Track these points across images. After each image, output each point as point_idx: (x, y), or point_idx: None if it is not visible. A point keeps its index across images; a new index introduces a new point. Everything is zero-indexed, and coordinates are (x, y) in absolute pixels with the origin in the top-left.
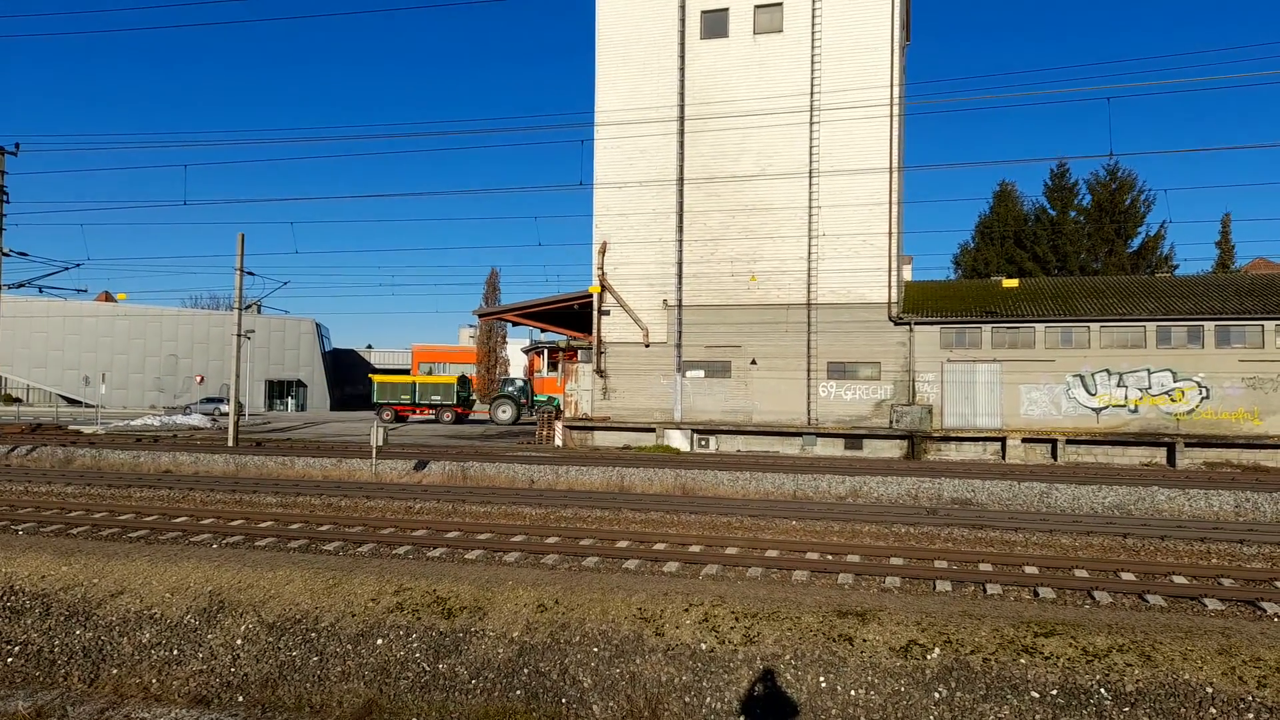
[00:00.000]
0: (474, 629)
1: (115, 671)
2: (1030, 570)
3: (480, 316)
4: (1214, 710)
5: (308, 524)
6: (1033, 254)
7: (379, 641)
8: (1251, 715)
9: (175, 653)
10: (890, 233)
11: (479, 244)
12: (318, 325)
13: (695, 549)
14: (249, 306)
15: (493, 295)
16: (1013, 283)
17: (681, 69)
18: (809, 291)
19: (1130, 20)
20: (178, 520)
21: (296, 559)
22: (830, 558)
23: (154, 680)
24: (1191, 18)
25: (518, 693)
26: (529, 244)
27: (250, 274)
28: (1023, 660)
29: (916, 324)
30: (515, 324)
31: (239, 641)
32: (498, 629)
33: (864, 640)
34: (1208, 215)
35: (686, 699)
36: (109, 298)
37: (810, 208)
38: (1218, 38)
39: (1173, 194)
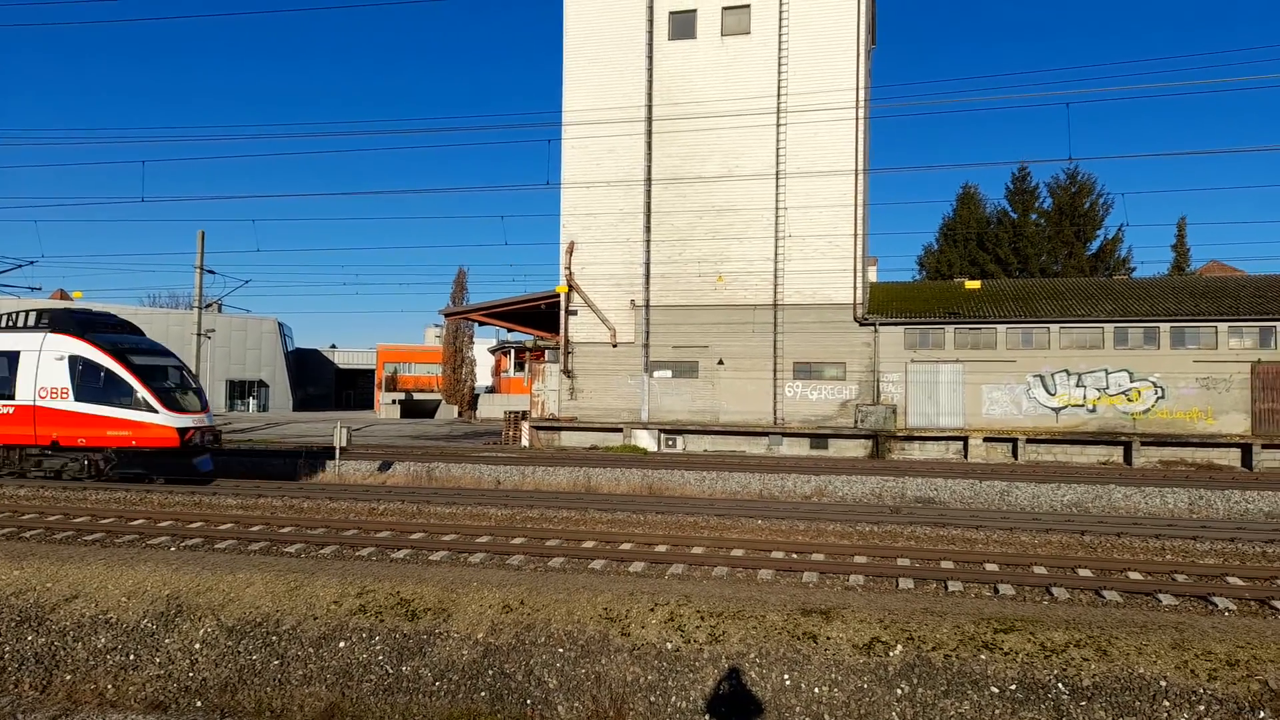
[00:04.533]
0: (438, 631)
1: (69, 677)
2: (991, 567)
3: (447, 316)
4: (1167, 703)
5: (269, 526)
6: (995, 256)
7: (341, 644)
8: (1203, 707)
9: (131, 657)
10: (856, 234)
11: (445, 243)
12: (280, 324)
13: (661, 549)
14: (209, 305)
15: (460, 295)
16: (975, 284)
17: (649, 69)
18: (775, 292)
19: (1089, 26)
20: (134, 523)
21: (257, 561)
22: (795, 556)
23: (109, 686)
24: (1148, 25)
25: (482, 694)
26: (496, 243)
27: (210, 272)
28: (983, 656)
29: (881, 325)
30: (482, 324)
31: (197, 646)
32: (462, 630)
33: (828, 638)
34: (1164, 219)
35: (652, 698)
36: (64, 295)
37: (777, 209)
38: (1173, 45)
39: (1130, 197)
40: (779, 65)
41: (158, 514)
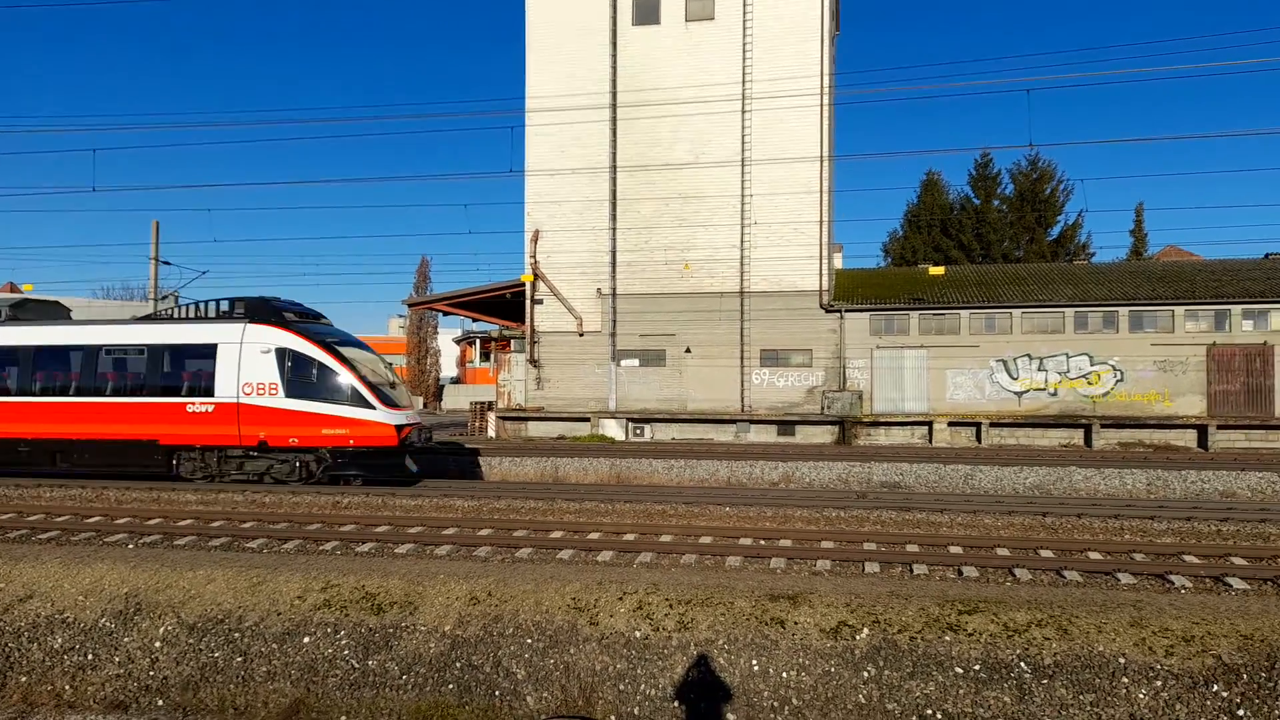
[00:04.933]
0: (404, 624)
1: (24, 679)
2: (955, 550)
3: (410, 306)
4: (1126, 679)
5: (230, 521)
6: (958, 242)
7: (306, 639)
8: (1160, 683)
9: (90, 657)
10: (821, 221)
11: (408, 232)
12: None
13: (630, 537)
14: (165, 297)
15: (423, 284)
16: (939, 270)
17: (614, 55)
18: (742, 279)
19: (1049, 13)
20: (91, 520)
21: (218, 558)
22: (763, 543)
23: (66, 686)
24: (1106, 12)
25: (450, 687)
26: (459, 232)
27: (166, 263)
28: (947, 637)
29: (847, 311)
30: (446, 314)
31: (158, 644)
32: (429, 623)
33: (795, 623)
34: (1122, 204)
35: (621, 687)
36: (14, 288)
37: (743, 196)
38: (1130, 33)
39: (1089, 184)
40: (744, 51)
41: (115, 511)
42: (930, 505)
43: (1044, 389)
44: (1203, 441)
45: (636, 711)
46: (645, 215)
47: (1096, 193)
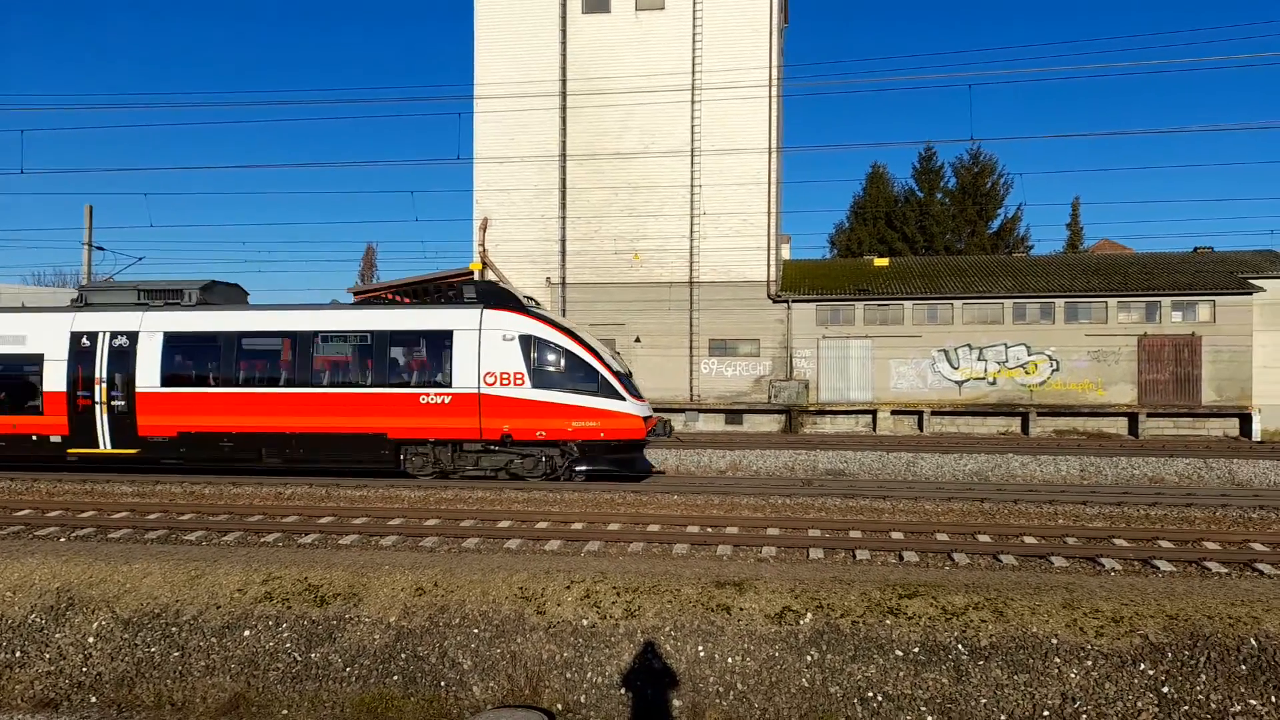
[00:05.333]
0: (348, 616)
1: None
2: (896, 536)
3: (356, 295)
4: (1058, 659)
5: (167, 513)
6: (902, 234)
7: (246, 633)
8: (1090, 662)
9: (18, 655)
10: (769, 212)
11: (353, 219)
12: None
13: (578, 526)
14: (107, 283)
15: (369, 272)
16: (883, 262)
17: (563, 43)
18: (691, 270)
19: (990, 9)
20: (20, 513)
21: (155, 551)
22: (710, 530)
23: None
24: (1046, 12)
25: (395, 678)
26: (406, 219)
27: (100, 249)
28: (888, 621)
29: (794, 301)
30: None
31: (91, 640)
32: (374, 614)
33: (741, 609)
34: (1059, 198)
35: (568, 675)
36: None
37: (692, 186)
38: (1069, 31)
39: (1029, 178)
40: (693, 42)
41: (46, 503)
42: (873, 492)
43: (984, 378)
44: (1133, 429)
45: (583, 699)
46: (595, 204)
47: (1035, 187)
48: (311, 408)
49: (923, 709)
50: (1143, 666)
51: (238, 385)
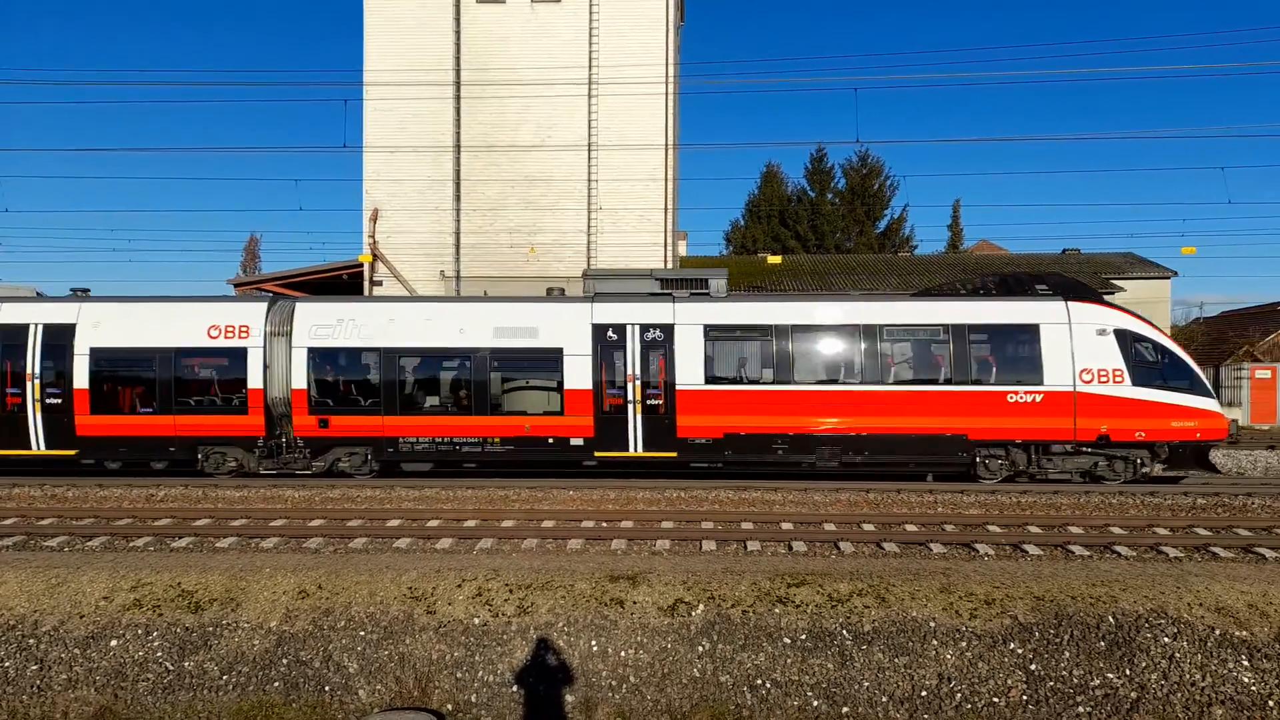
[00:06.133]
0: (225, 622)
1: None
2: (786, 526)
3: (236, 287)
4: (935, 641)
5: (25, 518)
6: (795, 233)
7: (114, 643)
8: (965, 643)
9: None
10: (666, 209)
11: (233, 207)
12: (39, 295)
13: (471, 524)
14: None
15: (251, 263)
16: (777, 259)
17: (457, 32)
18: (589, 264)
19: (873, 16)
20: None
21: (10, 558)
22: (605, 525)
23: None
24: (928, 18)
25: (276, 684)
26: (290, 209)
27: None
28: (777, 610)
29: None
30: (277, 295)
31: None
32: (253, 620)
33: (634, 602)
34: (941, 200)
35: (458, 674)
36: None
37: (589, 181)
38: (950, 38)
39: (913, 180)
40: (590, 36)
41: None
42: (764, 485)
43: None
44: None
45: (474, 699)
46: (491, 197)
47: (919, 189)
48: (880, 407)
49: (809, 694)
50: (1012, 646)
51: (793, 382)
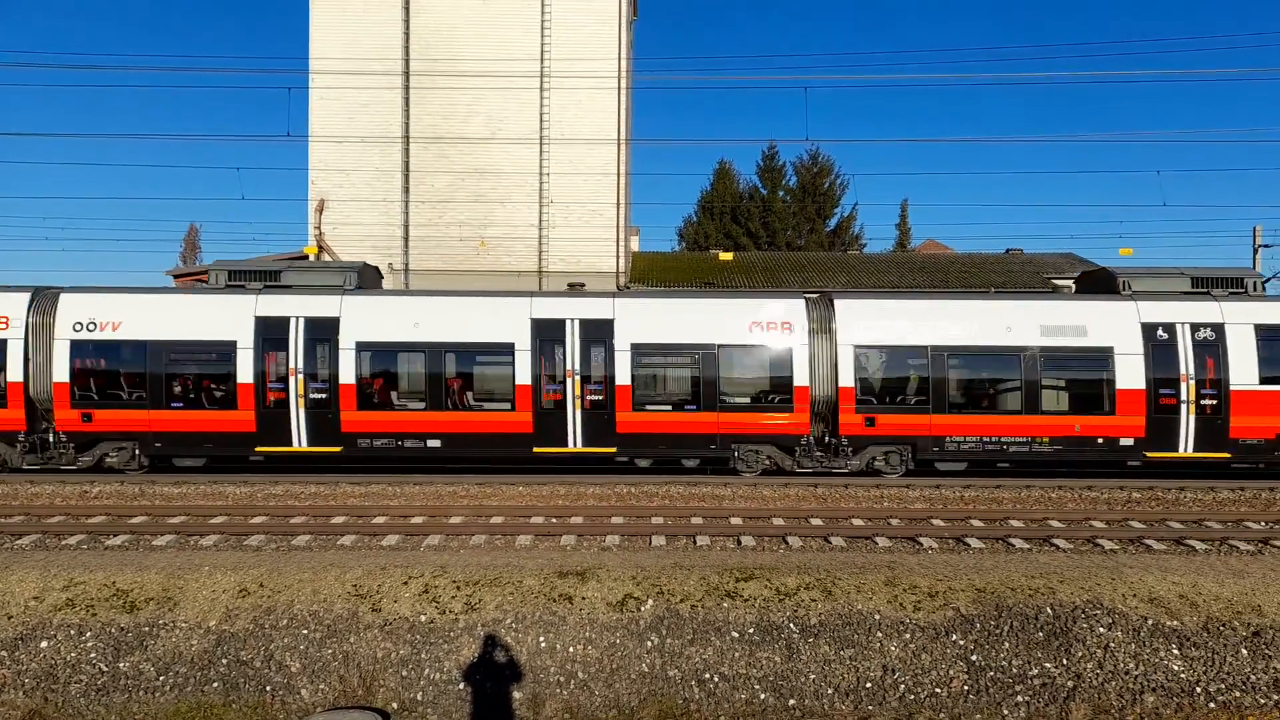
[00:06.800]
0: (162, 621)
1: None
2: (735, 521)
3: (176, 278)
4: (880, 633)
5: None
6: (747, 229)
7: (44, 644)
8: (908, 635)
9: None
10: (619, 204)
11: (171, 195)
12: None
13: (418, 520)
14: None
15: (191, 254)
16: (729, 256)
17: (406, 21)
18: (540, 259)
19: (824, 15)
20: None
21: None
22: (555, 520)
23: None
24: (876, 18)
25: (215, 685)
26: (232, 197)
27: None
28: (725, 604)
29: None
30: None
31: None
32: (191, 619)
33: (583, 598)
34: (890, 199)
35: (404, 672)
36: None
37: (541, 175)
38: (901, 40)
39: (862, 179)
40: (542, 29)
41: None
42: (714, 480)
43: None
44: None
45: (420, 697)
46: (441, 189)
47: (868, 188)
48: None
49: (756, 687)
50: (954, 637)
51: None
